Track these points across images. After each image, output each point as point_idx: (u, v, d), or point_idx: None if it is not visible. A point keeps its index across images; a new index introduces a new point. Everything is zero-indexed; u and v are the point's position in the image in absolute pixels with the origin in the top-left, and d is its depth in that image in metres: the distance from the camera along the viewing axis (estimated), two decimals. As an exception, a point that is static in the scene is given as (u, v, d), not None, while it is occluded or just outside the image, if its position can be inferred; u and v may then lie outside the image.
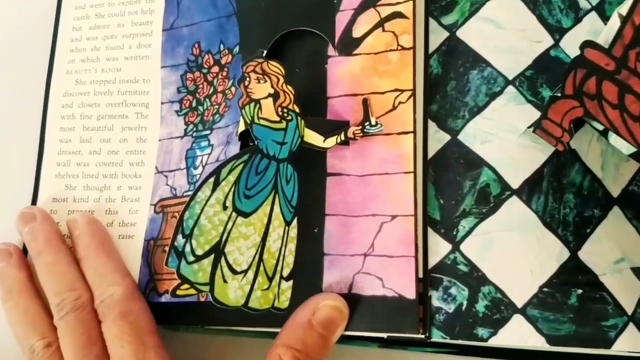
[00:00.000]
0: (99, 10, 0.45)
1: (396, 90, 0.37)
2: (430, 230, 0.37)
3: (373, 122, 0.37)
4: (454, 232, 0.37)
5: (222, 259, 0.37)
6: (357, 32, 0.39)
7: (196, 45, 0.43)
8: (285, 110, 0.38)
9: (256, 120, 0.38)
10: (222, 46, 0.42)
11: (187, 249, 0.37)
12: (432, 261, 0.37)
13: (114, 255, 0.39)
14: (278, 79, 0.37)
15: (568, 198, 0.38)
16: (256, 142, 0.38)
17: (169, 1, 0.44)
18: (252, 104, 0.38)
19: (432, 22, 0.40)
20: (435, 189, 0.38)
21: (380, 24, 0.38)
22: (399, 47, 0.38)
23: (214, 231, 0.37)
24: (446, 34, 0.40)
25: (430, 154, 0.38)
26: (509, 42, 0.39)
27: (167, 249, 0.38)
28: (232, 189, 0.38)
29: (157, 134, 0.42)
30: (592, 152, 0.39)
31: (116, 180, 0.42)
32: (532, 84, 0.39)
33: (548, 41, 0.39)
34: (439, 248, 0.37)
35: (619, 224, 0.38)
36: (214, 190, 0.38)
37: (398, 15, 0.38)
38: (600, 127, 0.37)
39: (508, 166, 0.38)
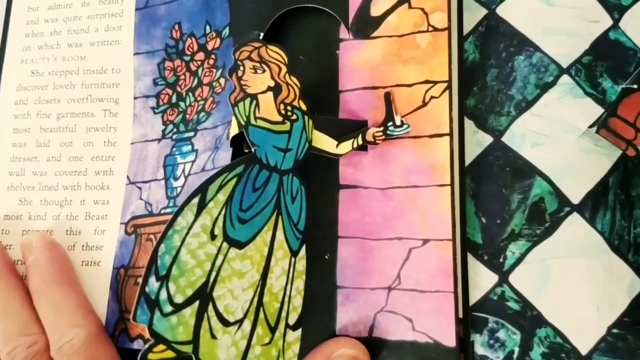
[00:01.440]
0: None
1: (427, 82, 0.31)
2: (470, 257, 0.31)
3: (398, 122, 0.31)
4: (501, 260, 0.31)
5: (210, 307, 0.29)
6: (376, 10, 0.33)
7: (176, 26, 0.36)
8: (289, 107, 0.31)
9: (253, 121, 0.30)
10: (208, 28, 0.35)
11: (163, 295, 0.28)
12: (474, 296, 0.31)
13: (75, 288, 0.33)
14: (280, 69, 0.31)
15: (639, 215, 0.30)
16: (253, 149, 0.30)
17: None
18: (248, 100, 0.30)
19: None
20: (475, 204, 0.32)
21: None
22: (430, 28, 0.32)
23: (198, 269, 0.29)
24: (484, 11, 0.34)
25: (468, 160, 0.32)
26: (562, 22, 0.33)
27: (140, 280, 0.30)
28: (223, 212, 0.30)
29: (129, 136, 0.36)
30: None
31: (79, 193, 0.36)
32: (591, 73, 0.32)
33: (606, 21, 0.33)
34: (483, 280, 0.31)
35: None
36: (198, 213, 0.29)
37: (428, -15, 0.31)
38: (683, 126, 0.29)
39: (566, 176, 0.32)
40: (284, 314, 0.29)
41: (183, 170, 0.34)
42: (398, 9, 0.32)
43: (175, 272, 0.29)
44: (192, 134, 0.34)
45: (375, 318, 0.30)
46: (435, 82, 0.31)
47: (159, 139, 0.35)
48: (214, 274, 0.29)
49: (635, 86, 0.29)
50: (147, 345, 0.28)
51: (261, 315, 0.29)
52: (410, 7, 0.32)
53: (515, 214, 0.31)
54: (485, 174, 0.32)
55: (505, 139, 0.32)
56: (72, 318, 0.31)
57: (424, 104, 0.31)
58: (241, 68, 0.30)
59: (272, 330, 0.29)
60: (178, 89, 0.36)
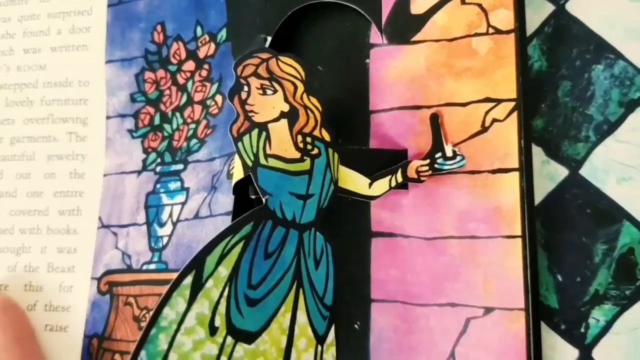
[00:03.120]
0: None
1: (487, 100, 0.27)
2: (544, 327, 0.27)
3: (449, 153, 0.27)
4: (582, 330, 0.27)
5: None
6: (418, 6, 0.28)
7: (158, 27, 0.32)
8: (308, 139, 0.26)
9: (262, 160, 0.26)
10: (199, 29, 0.31)
11: None
12: None
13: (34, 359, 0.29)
14: (295, 88, 0.26)
15: None
16: (264, 199, 0.26)
17: None
18: (255, 132, 0.26)
19: None
20: (548, 257, 0.27)
21: None
22: (491, 30, 0.27)
23: None
24: (551, 7, 0.30)
25: (538, 199, 0.28)
26: None
27: (119, 358, 0.24)
28: (226, 293, 0.24)
29: (101, 166, 0.32)
30: None
31: (40, 238, 0.32)
32: None
33: None
34: (560, 356, 0.27)
35: None
36: (192, 299, 0.24)
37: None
38: None
39: None
40: None
41: (170, 215, 0.29)
42: (447, 4, 0.28)
43: None
44: (181, 166, 0.30)
45: None
46: (498, 101, 0.27)
47: (139, 171, 0.31)
48: None
49: None
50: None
51: None
52: (463, 2, 0.28)
53: (600, 270, 0.27)
54: (560, 217, 0.28)
55: (584, 171, 0.28)
56: None
57: (484, 129, 0.27)
58: (245, 88, 0.26)
59: None
60: (162, 107, 0.31)
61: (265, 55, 0.26)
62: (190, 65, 0.31)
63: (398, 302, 0.26)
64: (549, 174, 0.28)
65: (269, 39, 0.29)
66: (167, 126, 0.31)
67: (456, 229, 0.26)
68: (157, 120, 0.31)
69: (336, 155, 0.26)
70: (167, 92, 0.31)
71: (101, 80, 0.33)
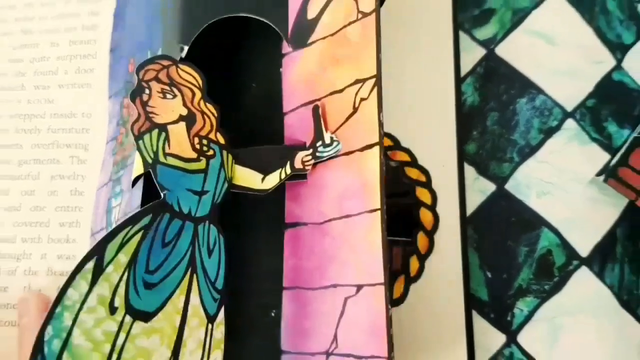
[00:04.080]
0: (27, 26, 0.38)
1: (356, 82, 0.27)
2: (476, 315, 0.30)
3: (327, 140, 0.27)
4: (509, 318, 0.31)
5: None
6: (312, 11, 0.29)
7: (131, 60, 0.33)
8: (204, 141, 0.27)
9: (162, 158, 0.27)
10: (149, 54, 0.32)
11: None
12: (481, 358, 0.30)
13: None
14: (193, 94, 0.27)
15: None
16: (162, 194, 0.27)
17: (118, 13, 0.36)
18: (155, 132, 0.27)
19: (464, 37, 0.34)
20: (480, 257, 0.31)
21: None
22: (360, 15, 0.27)
23: (96, 354, 0.25)
24: (483, 51, 0.34)
25: (471, 209, 0.32)
26: (564, 63, 0.34)
27: None
28: (125, 277, 0.26)
29: (96, 185, 0.34)
30: None
31: (40, 246, 0.33)
32: (596, 117, 0.33)
33: (609, 61, 0.34)
34: (490, 340, 0.30)
35: None
36: (94, 281, 0.25)
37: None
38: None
39: (574, 227, 0.31)
40: None
41: (115, 216, 0.31)
42: (331, 3, 0.28)
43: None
44: (122, 172, 0.31)
45: None
46: (364, 80, 0.27)
47: (107, 183, 0.33)
48: (114, 357, 0.25)
49: (645, 134, 0.29)
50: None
51: None
52: None
53: (523, 268, 0.31)
54: (489, 224, 0.31)
55: (509, 187, 0.32)
56: None
57: (355, 110, 0.27)
58: (147, 91, 0.27)
59: None
60: (128, 126, 0.32)
61: (166, 62, 0.27)
62: (146, 86, 0.32)
63: (298, 287, 0.28)
64: (480, 189, 0.32)
65: (186, 48, 0.29)
66: (125, 140, 0.32)
67: (337, 210, 0.26)
68: (124, 139, 0.32)
69: (230, 156, 0.28)
70: (132, 112, 0.31)
71: (102, 113, 0.35)
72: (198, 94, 0.27)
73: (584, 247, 0.31)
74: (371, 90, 0.26)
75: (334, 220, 0.26)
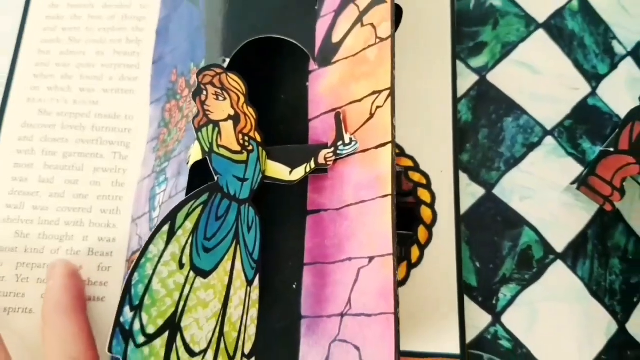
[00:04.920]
0: (74, 35, 0.41)
1: (373, 93, 0.32)
2: (466, 299, 0.35)
3: (347, 140, 0.32)
4: (494, 302, 0.35)
5: (178, 337, 0.30)
6: (336, 36, 0.34)
7: (174, 71, 0.38)
8: (246, 138, 0.33)
9: (215, 149, 0.32)
10: (192, 65, 0.37)
11: (137, 326, 0.29)
12: (471, 335, 0.34)
13: (81, 320, 0.34)
14: (239, 98, 0.32)
15: (614, 263, 0.36)
16: (216, 178, 0.32)
17: (161, 29, 0.40)
18: (211, 127, 0.32)
19: (460, 65, 0.39)
20: (470, 249, 0.36)
21: (360, 18, 0.33)
22: (377, 40, 0.32)
23: (168, 299, 0.30)
24: (476, 77, 0.39)
25: (464, 209, 0.36)
26: (546, 89, 0.39)
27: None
28: (190, 240, 0.31)
29: (137, 178, 0.38)
30: (635, 213, 0.38)
31: (82, 229, 0.37)
32: (572, 135, 0.37)
33: (585, 89, 0.39)
34: (478, 320, 0.34)
35: None
36: (168, 241, 0.31)
37: (377, 2, 0.33)
38: (652, 185, 0.34)
39: (551, 226, 0.36)
40: (240, 343, 0.31)
41: (159, 201, 0.35)
42: (354, 29, 0.33)
43: (147, 301, 0.30)
44: (166, 164, 0.36)
45: (329, 349, 0.30)
46: (379, 92, 0.31)
47: (149, 175, 0.37)
48: (182, 303, 0.30)
49: (612, 149, 0.34)
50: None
51: (222, 345, 0.31)
52: (362, 25, 0.33)
53: (506, 259, 0.35)
54: (479, 222, 0.36)
55: (496, 191, 0.36)
56: (70, 349, 0.33)
57: (371, 116, 0.32)
58: (204, 92, 0.32)
59: (231, 359, 0.31)
60: (170, 126, 0.38)
61: (218, 70, 0.32)
62: (187, 92, 0.37)
63: (318, 263, 0.32)
64: (472, 193, 0.36)
65: (227, 60, 0.34)
66: (168, 139, 0.37)
67: (353, 197, 0.31)
68: (166, 137, 0.37)
69: (264, 152, 0.33)
70: (174, 115, 0.37)
71: (143, 116, 0.39)
72: (242, 99, 0.32)
73: (559, 244, 0.35)
74: (386, 100, 0.31)
75: (350, 205, 0.31)
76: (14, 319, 0.36)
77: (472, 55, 0.39)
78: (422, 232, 0.35)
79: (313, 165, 0.32)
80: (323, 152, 0.32)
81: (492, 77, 0.38)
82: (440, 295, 0.34)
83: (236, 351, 0.31)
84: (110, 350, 0.29)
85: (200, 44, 0.37)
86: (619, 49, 0.39)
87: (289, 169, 0.33)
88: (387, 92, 0.31)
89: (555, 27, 0.39)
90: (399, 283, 0.34)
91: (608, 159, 0.34)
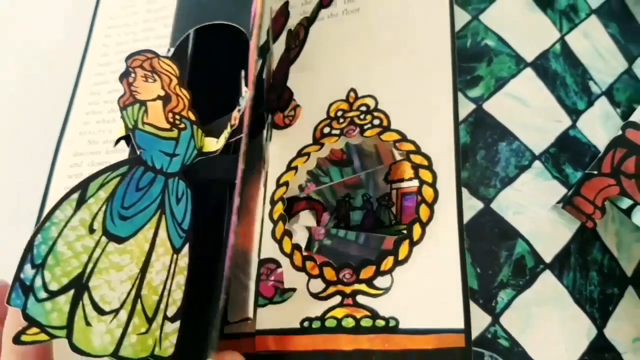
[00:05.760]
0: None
1: None
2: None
3: (242, 93, 0.34)
4: (493, 304, 0.37)
5: (85, 296, 0.31)
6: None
7: None
8: (177, 117, 0.34)
9: (140, 126, 0.34)
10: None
11: (38, 282, 0.30)
12: (473, 334, 0.36)
13: None
14: (170, 80, 0.34)
15: (592, 275, 0.39)
16: (139, 152, 0.34)
17: None
18: (137, 106, 0.34)
19: (460, 96, 0.42)
20: (471, 256, 0.38)
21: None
22: None
23: (75, 260, 0.31)
24: (473, 106, 0.42)
25: (465, 219, 0.38)
26: (534, 119, 0.42)
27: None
28: (103, 208, 0.32)
29: None
30: (609, 232, 0.41)
31: None
32: (556, 161, 0.41)
33: (567, 121, 0.43)
34: (480, 320, 0.37)
35: (634, 303, 0.41)
36: (77, 208, 0.32)
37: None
38: (626, 205, 0.38)
39: (540, 240, 0.39)
40: (162, 306, 0.32)
41: None
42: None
43: (50, 261, 0.31)
44: None
45: None
46: None
47: None
48: (90, 265, 0.31)
49: (595, 172, 0.38)
50: (20, 328, 0.29)
51: (138, 306, 0.31)
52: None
53: (503, 267, 0.38)
54: (479, 233, 0.38)
55: (494, 206, 0.39)
56: None
57: None
58: (132, 75, 0.34)
59: (150, 320, 0.31)
60: None
61: (150, 55, 0.34)
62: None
63: None
64: (471, 206, 0.39)
65: (172, 49, 0.38)
66: None
67: None
68: None
69: (199, 131, 0.35)
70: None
71: None
72: (175, 81, 0.34)
73: (547, 255, 0.38)
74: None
75: None
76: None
77: (470, 87, 0.42)
78: (423, 210, 0.37)
79: (229, 129, 0.34)
80: (232, 113, 0.35)
81: (488, 106, 0.42)
82: (442, 274, 0.35)
83: (156, 313, 0.31)
84: (8, 302, 0.30)
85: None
86: (595, 89, 0.44)
87: (216, 139, 0.35)
88: None
89: (541, 67, 0.43)
90: (400, 262, 0.36)
91: (592, 181, 0.39)
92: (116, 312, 0.31)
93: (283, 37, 0.44)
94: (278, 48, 0.43)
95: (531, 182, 0.40)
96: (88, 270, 0.31)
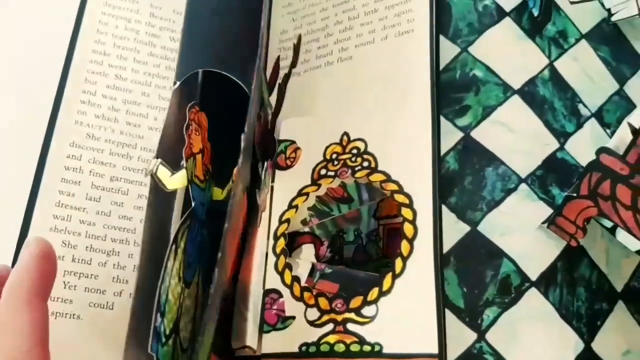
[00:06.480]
0: (120, 73, 0.43)
1: None
2: (455, 319, 0.37)
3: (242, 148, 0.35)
4: (479, 321, 0.38)
5: (178, 339, 0.34)
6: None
7: None
8: (206, 168, 0.36)
9: (193, 178, 0.35)
10: None
11: (161, 328, 0.33)
12: (458, 351, 0.37)
13: (39, 308, 0.29)
14: (205, 133, 0.36)
15: (580, 291, 0.40)
16: (192, 204, 0.35)
17: None
18: (192, 159, 0.35)
19: (447, 123, 0.43)
20: (458, 277, 0.39)
21: None
22: None
23: (175, 307, 0.34)
24: (461, 134, 0.43)
25: (452, 243, 0.40)
26: (520, 144, 0.43)
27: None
28: (182, 257, 0.35)
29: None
30: (598, 249, 0.42)
31: (127, 247, 0.38)
32: (543, 182, 0.42)
33: (555, 144, 0.44)
34: (465, 337, 0.38)
35: (624, 317, 0.41)
36: (175, 259, 0.34)
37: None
38: (609, 225, 0.39)
39: (526, 259, 0.40)
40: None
41: None
42: None
43: (166, 308, 0.33)
44: None
45: None
46: None
47: None
48: (180, 310, 0.34)
49: (575, 194, 0.39)
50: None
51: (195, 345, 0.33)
52: None
53: (489, 286, 0.39)
54: (466, 254, 0.39)
55: (480, 228, 0.40)
56: (17, 344, 0.27)
57: None
58: (191, 127, 0.36)
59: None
60: None
61: (197, 109, 0.36)
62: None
63: None
64: (459, 229, 0.40)
65: (178, 83, 0.38)
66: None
67: None
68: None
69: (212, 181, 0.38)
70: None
71: None
72: (205, 134, 0.36)
73: (533, 273, 0.39)
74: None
75: None
76: (60, 324, 0.36)
77: (458, 116, 0.43)
78: (405, 246, 0.38)
79: (230, 183, 0.36)
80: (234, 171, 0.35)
81: (475, 134, 0.42)
82: (420, 304, 0.36)
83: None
84: (150, 349, 0.32)
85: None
86: (584, 111, 0.45)
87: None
88: None
89: (528, 93, 0.44)
90: (384, 293, 0.37)
91: (572, 203, 0.40)
92: (187, 350, 0.34)
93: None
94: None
95: (517, 204, 0.41)
96: (179, 315, 0.34)
